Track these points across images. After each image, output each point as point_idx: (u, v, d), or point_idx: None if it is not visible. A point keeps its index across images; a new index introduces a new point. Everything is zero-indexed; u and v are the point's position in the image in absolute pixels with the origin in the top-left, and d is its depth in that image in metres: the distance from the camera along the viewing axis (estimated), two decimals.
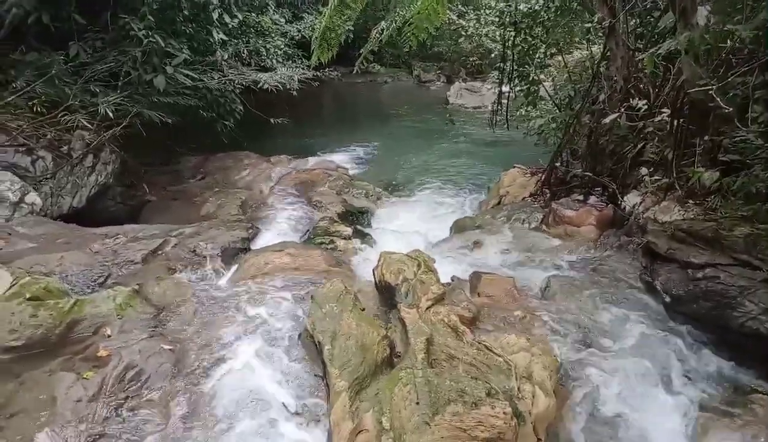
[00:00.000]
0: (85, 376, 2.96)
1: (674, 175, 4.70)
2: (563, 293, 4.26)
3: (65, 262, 4.16)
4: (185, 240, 4.92)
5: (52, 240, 4.65)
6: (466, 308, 3.73)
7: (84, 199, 6.08)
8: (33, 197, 5.32)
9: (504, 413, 2.43)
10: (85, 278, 4.10)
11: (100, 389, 2.91)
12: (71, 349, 3.17)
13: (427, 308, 3.50)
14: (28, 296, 3.25)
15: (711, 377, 3.39)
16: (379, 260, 4.10)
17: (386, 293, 3.88)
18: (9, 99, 5.84)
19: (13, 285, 3.33)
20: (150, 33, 6.63)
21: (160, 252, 4.69)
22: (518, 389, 2.81)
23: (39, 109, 6.00)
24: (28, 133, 5.72)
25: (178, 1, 7.34)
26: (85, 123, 6.20)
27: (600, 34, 6.90)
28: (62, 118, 6.11)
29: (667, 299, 3.95)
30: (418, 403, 2.47)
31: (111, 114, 6.27)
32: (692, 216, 4.28)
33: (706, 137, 4.36)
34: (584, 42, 7.93)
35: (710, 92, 3.50)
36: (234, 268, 4.72)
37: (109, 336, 3.31)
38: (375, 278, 4.02)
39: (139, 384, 3.04)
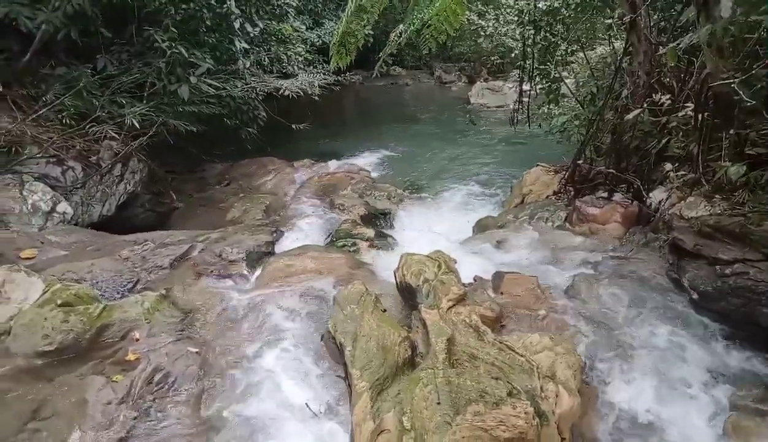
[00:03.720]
0: (114, 379, 3.03)
1: (700, 170, 4.60)
2: (588, 292, 4.21)
3: (95, 269, 4.27)
4: (211, 245, 5.00)
5: (83, 248, 4.79)
6: (488, 308, 3.72)
7: (113, 207, 6.26)
8: (64, 207, 5.49)
9: (525, 412, 2.41)
10: (115, 284, 4.20)
11: (128, 391, 2.98)
12: (101, 353, 3.27)
13: (448, 309, 3.49)
14: (59, 302, 3.35)
15: (741, 375, 3.31)
16: (399, 262, 4.10)
17: (407, 294, 3.89)
18: (40, 112, 6.04)
19: (46, 292, 3.45)
20: (173, 44, 6.79)
21: (187, 257, 4.78)
22: (541, 388, 2.78)
23: (68, 121, 6.20)
24: (59, 145, 5.91)
25: (201, 12, 7.49)
26: (113, 134, 6.38)
27: (622, 29, 6.80)
28: (90, 130, 6.30)
29: (695, 296, 3.87)
30: (439, 403, 2.47)
31: (137, 124, 6.44)
32: (719, 211, 4.17)
33: (732, 131, 4.26)
34: (606, 38, 7.82)
35: (733, 85, 3.42)
36: (258, 271, 4.78)
37: (137, 340, 3.40)
38: (396, 280, 4.03)
39: (166, 387, 3.11)
